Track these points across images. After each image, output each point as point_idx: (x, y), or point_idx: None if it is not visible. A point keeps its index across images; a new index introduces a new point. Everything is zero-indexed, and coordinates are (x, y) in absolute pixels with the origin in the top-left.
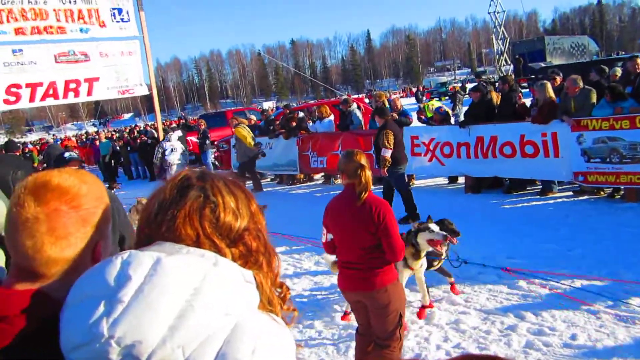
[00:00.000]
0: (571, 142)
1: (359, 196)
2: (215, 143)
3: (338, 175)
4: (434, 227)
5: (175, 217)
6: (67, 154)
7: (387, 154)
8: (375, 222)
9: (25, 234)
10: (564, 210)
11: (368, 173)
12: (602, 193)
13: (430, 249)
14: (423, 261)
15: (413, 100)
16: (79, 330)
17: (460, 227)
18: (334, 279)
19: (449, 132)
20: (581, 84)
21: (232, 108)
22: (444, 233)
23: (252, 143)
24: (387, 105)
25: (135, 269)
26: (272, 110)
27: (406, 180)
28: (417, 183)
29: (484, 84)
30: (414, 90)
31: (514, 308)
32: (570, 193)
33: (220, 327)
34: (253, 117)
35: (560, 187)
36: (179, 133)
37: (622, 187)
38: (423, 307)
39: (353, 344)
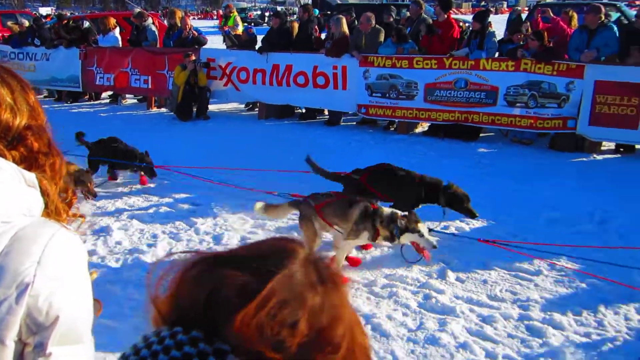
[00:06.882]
0: (358, 77)
1: None
2: None
3: (126, 95)
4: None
5: None
6: None
7: None
8: None
9: None
10: (347, 140)
11: None
12: (379, 124)
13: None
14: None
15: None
16: None
17: (250, 156)
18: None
19: (246, 57)
20: (373, 22)
21: None
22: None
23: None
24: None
25: None
26: (49, 17)
27: None
28: (212, 108)
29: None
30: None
31: None
32: (354, 124)
33: None
34: (25, 22)
35: (346, 118)
36: None
37: (396, 121)
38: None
39: (153, 250)
